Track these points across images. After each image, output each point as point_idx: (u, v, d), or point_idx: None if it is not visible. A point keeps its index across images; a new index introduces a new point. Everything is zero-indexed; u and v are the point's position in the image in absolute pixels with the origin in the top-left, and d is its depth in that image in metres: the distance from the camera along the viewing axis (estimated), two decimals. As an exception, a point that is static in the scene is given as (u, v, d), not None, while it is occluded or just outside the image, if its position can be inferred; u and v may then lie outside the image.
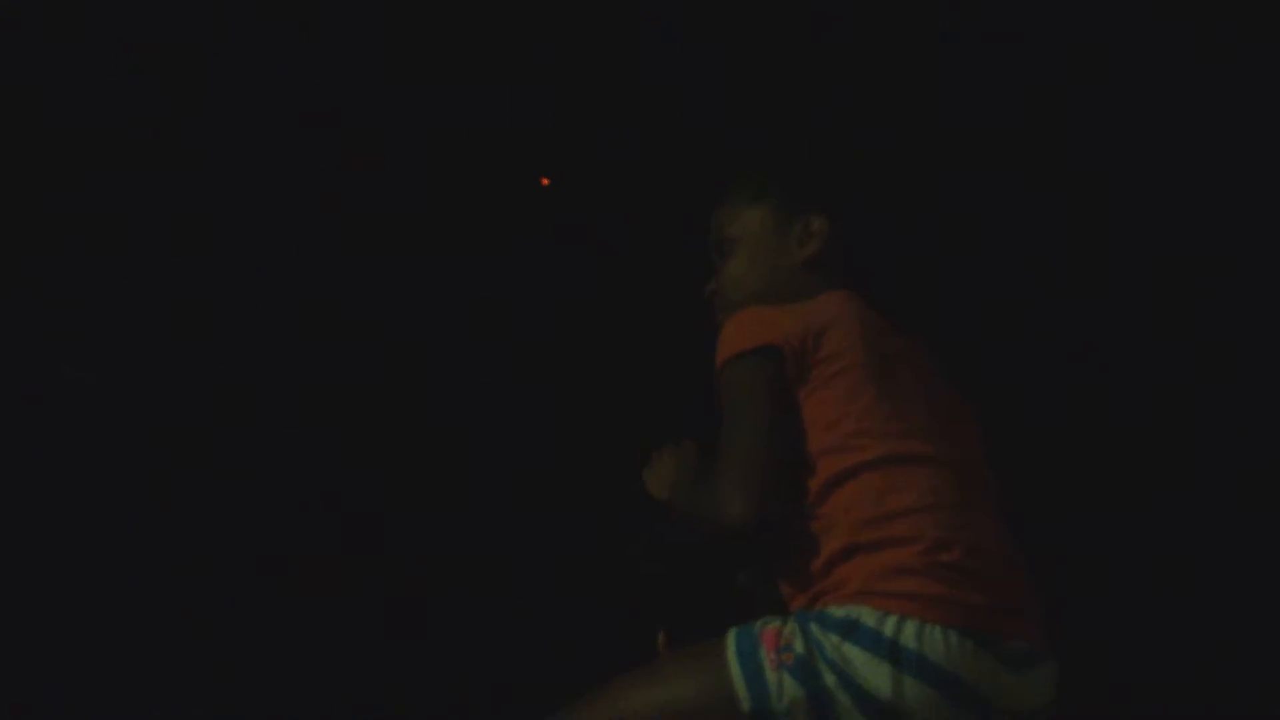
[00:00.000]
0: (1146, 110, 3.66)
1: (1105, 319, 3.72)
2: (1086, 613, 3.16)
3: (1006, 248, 3.71)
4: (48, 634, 3.38)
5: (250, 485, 3.58)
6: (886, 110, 3.62)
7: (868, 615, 1.75)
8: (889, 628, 1.73)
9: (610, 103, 3.62)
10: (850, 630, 1.75)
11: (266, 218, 3.65)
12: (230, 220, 3.60)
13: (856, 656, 1.73)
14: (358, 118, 3.59)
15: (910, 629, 1.73)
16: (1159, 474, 3.54)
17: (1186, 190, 3.67)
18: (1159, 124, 3.65)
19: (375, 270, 3.70)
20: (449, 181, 3.71)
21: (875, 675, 1.73)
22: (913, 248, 3.57)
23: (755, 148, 3.51)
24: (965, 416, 2.05)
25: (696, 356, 2.11)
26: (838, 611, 1.77)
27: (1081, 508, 3.48)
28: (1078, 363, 3.69)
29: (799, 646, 1.76)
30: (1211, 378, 3.65)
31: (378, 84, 3.56)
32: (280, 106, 3.56)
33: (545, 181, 3.59)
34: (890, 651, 1.73)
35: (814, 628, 1.77)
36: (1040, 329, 3.70)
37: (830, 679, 1.74)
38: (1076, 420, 3.63)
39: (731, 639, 1.82)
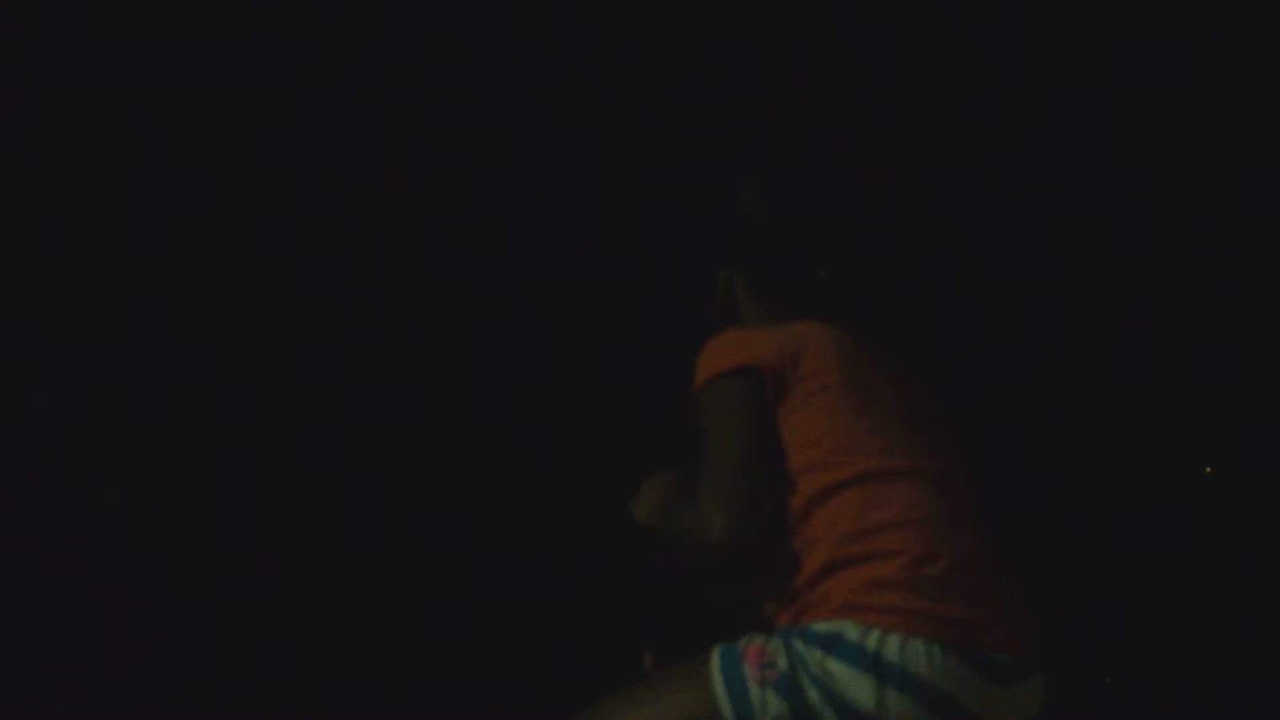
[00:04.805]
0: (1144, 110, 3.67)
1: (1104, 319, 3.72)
2: (1081, 615, 3.18)
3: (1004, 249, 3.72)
4: (47, 634, 3.41)
5: (248, 485, 3.60)
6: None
7: (851, 629, 1.75)
8: (872, 642, 1.74)
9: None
10: (833, 645, 1.75)
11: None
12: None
13: (839, 671, 1.74)
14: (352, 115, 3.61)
15: (893, 643, 1.74)
16: (1157, 474, 3.55)
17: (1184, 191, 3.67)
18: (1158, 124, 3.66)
19: (373, 270, 3.72)
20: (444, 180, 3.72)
21: (858, 690, 1.73)
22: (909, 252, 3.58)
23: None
24: (946, 430, 2.06)
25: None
26: (820, 626, 1.78)
27: (1077, 509, 3.49)
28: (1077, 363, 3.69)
29: (783, 663, 1.77)
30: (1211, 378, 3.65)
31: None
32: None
33: None
34: (873, 666, 1.73)
35: (797, 643, 1.78)
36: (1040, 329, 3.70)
37: (814, 695, 1.75)
38: (1074, 421, 3.64)
39: (716, 657, 1.83)
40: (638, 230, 3.67)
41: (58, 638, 3.44)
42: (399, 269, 3.74)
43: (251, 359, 3.67)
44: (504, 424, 3.71)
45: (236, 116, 3.59)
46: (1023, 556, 2.02)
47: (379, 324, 3.72)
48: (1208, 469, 3.49)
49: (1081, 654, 2.99)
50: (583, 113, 3.71)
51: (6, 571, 3.44)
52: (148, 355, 3.61)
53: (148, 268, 3.61)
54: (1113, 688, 3.18)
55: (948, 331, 3.53)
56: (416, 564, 3.57)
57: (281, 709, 3.44)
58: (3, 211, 3.51)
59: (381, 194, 3.71)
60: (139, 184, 3.58)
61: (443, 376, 3.73)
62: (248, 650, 3.52)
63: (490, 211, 3.75)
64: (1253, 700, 3.34)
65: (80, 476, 3.55)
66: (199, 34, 3.51)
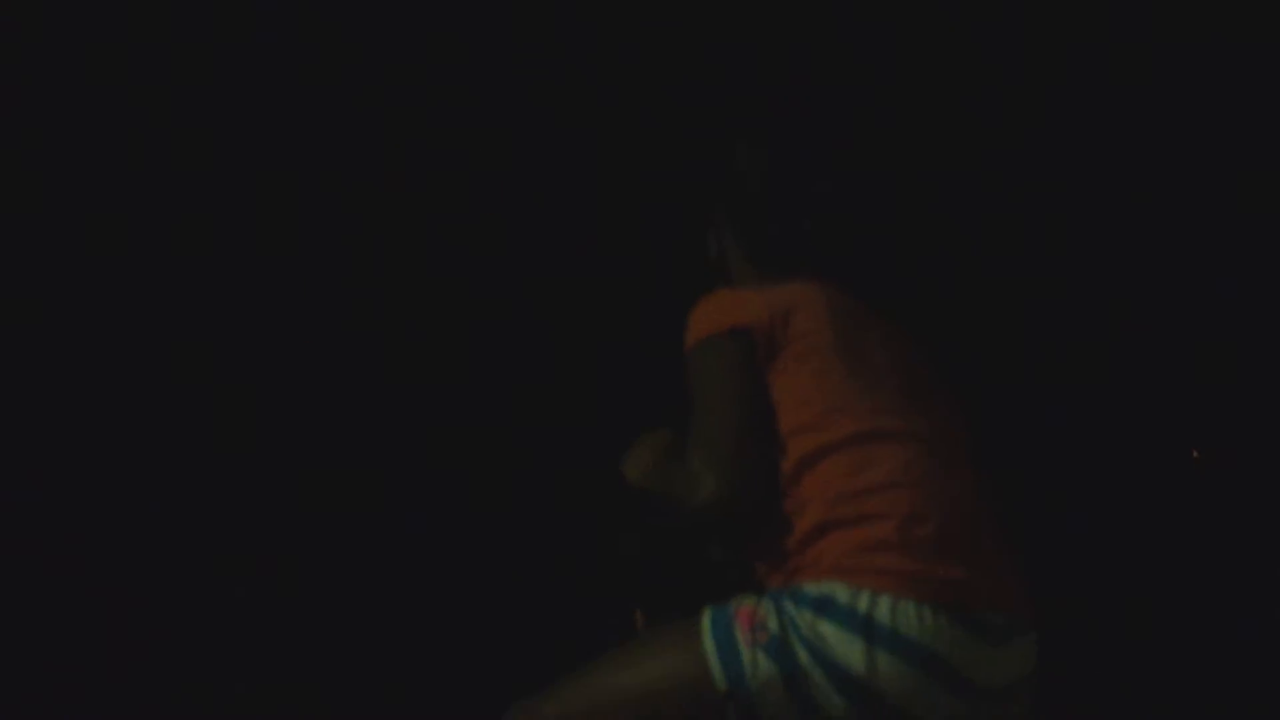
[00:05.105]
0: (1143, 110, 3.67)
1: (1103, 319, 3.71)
2: (1080, 607, 3.16)
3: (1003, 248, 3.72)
4: (47, 634, 3.41)
5: (249, 485, 3.60)
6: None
7: (841, 591, 1.74)
8: (862, 604, 1.73)
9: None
10: (824, 607, 1.74)
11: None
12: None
13: (830, 633, 1.73)
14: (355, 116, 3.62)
15: (884, 604, 1.72)
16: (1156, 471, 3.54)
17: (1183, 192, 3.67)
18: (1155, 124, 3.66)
19: (373, 270, 3.72)
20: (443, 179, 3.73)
21: (849, 651, 1.72)
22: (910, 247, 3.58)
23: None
24: (942, 391, 2.03)
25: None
26: (811, 588, 1.76)
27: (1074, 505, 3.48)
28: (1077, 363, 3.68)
29: (773, 625, 1.76)
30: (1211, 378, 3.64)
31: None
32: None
33: None
34: (864, 628, 1.72)
35: (788, 605, 1.77)
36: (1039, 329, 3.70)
37: (804, 656, 1.73)
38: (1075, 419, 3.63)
39: (706, 618, 1.81)
40: (637, 229, 3.67)
41: (58, 638, 3.44)
42: (399, 269, 3.74)
43: (251, 359, 3.67)
44: (504, 424, 3.71)
45: (236, 116, 3.61)
46: (1023, 547, 2.00)
47: (379, 324, 3.72)
48: (1194, 453, 3.48)
49: (1075, 633, 2.98)
50: (583, 113, 3.71)
51: (6, 571, 3.44)
52: (148, 355, 3.61)
53: (148, 267, 3.62)
54: (1102, 669, 3.16)
55: (943, 303, 3.53)
56: (414, 547, 3.57)
57: (282, 709, 3.43)
58: (2, 211, 3.52)
59: (381, 194, 3.72)
60: (139, 184, 3.59)
61: (443, 376, 3.73)
62: (247, 650, 3.51)
63: (490, 211, 3.76)
64: (1249, 693, 3.33)
65: (80, 477, 3.55)
66: (199, 34, 3.53)
